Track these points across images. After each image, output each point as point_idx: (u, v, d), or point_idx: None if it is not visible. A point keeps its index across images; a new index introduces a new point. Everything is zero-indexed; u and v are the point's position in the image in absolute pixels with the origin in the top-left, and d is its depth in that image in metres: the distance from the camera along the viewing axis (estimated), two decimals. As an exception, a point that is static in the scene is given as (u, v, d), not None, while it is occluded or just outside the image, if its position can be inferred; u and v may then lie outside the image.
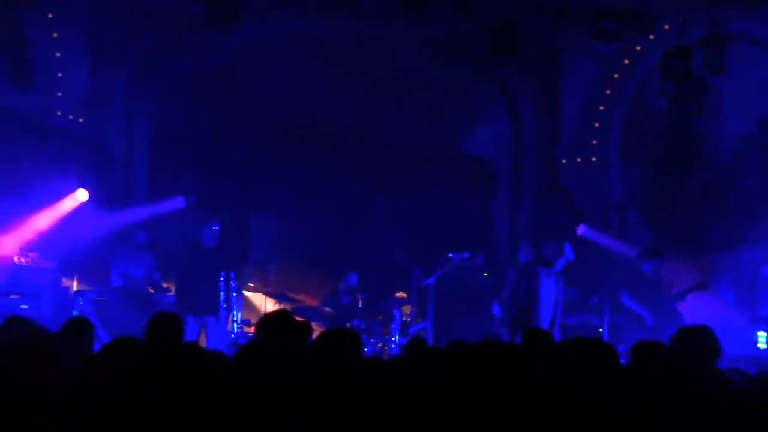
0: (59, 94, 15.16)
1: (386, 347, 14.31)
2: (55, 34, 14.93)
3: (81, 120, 15.31)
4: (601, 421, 4.00)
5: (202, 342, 12.84)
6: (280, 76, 16.14)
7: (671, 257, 14.25)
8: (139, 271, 14.01)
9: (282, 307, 14.10)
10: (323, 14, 15.53)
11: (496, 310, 13.51)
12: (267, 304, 15.52)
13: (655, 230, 16.15)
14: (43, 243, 14.08)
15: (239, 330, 13.75)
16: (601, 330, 14.01)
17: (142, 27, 15.41)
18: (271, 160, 16.66)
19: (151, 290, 14.24)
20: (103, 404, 3.32)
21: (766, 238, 15.62)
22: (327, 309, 14.71)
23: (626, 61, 16.12)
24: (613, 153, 16.58)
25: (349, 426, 3.84)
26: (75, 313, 12.69)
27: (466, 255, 14.91)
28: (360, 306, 15.13)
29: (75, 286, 14.08)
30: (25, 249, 13.78)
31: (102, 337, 10.98)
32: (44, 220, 14.26)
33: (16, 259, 13.58)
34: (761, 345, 13.81)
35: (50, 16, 14.80)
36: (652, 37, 15.49)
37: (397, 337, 14.48)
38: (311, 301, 15.65)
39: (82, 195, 14.64)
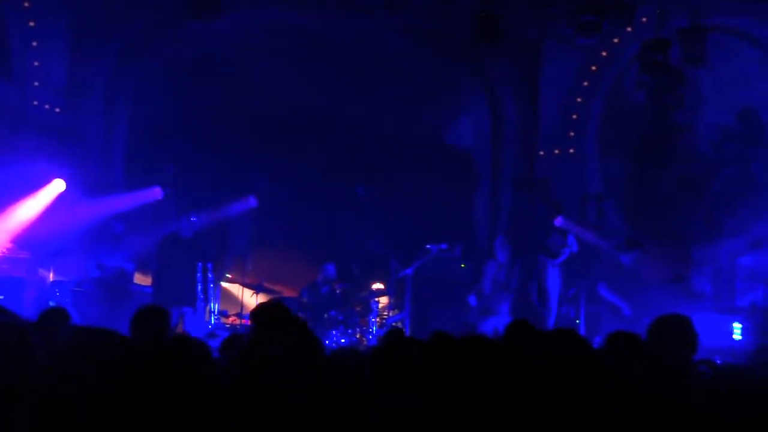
0: (36, 83, 15.07)
1: (364, 338, 14.33)
2: (32, 24, 14.84)
3: (57, 110, 15.22)
4: (580, 414, 4.02)
5: (179, 333, 12.81)
6: (262, 67, 16.09)
7: (649, 249, 14.30)
8: (115, 262, 13.95)
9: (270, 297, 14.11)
10: (305, 4, 15.51)
11: (472, 300, 13.52)
12: (244, 295, 15.51)
13: (632, 222, 16.20)
14: (20, 233, 13.99)
15: (216, 321, 13.73)
16: (578, 321, 14.07)
17: (122, 16, 15.33)
18: (251, 150, 16.62)
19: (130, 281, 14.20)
20: (91, 401, 3.27)
21: (744, 230, 15.69)
22: (305, 300, 14.71)
23: (604, 54, 16.15)
24: (591, 145, 16.60)
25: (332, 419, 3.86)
26: (52, 303, 12.61)
27: (444, 246, 14.95)
28: (338, 296, 15.14)
29: (51, 276, 14.01)
30: (2, 239, 13.69)
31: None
32: (21, 210, 14.17)
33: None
34: (737, 336, 13.88)
35: (26, 5, 14.70)
36: (629, 29, 15.51)
37: (374, 328, 14.50)
38: (289, 292, 15.65)
39: (59, 185, 14.55)
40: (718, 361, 8.99)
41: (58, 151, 14.74)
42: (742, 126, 16.09)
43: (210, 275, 13.32)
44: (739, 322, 13.98)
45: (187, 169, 16.28)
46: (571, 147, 16.55)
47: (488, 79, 17.13)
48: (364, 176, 16.96)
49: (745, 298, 14.91)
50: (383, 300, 15.66)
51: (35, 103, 15.08)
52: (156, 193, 15.35)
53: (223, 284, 15.58)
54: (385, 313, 15.44)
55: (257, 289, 14.97)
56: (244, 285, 15.43)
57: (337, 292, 15.15)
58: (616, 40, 15.96)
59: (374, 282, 16.17)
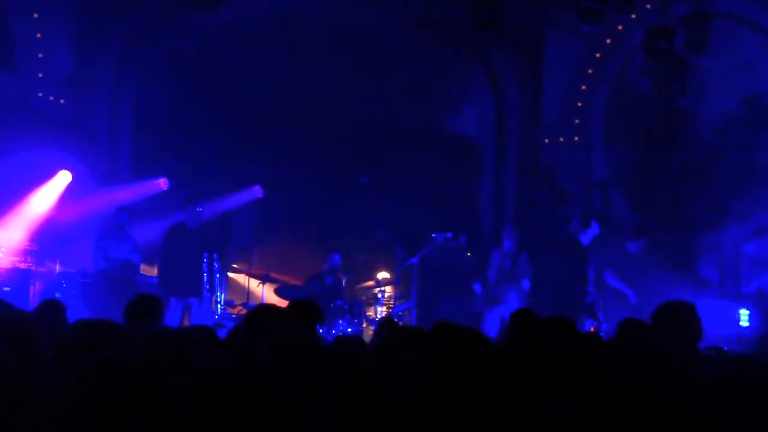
0: (40, 74, 15.08)
1: (370, 327, 14.35)
2: (36, 15, 14.85)
3: (62, 101, 15.23)
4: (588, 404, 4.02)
5: (186, 324, 12.82)
6: (266, 58, 16.09)
7: (654, 236, 14.30)
8: (121, 254, 13.95)
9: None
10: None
11: (478, 288, 13.51)
12: (251, 285, 15.53)
13: (638, 209, 16.19)
14: (26, 225, 14.00)
15: (223, 311, 13.75)
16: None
17: (125, 8, 15.34)
18: (256, 140, 16.63)
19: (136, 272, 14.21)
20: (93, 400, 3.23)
21: (748, 217, 15.68)
22: (311, 289, 14.72)
23: (608, 41, 16.13)
24: (596, 132, 16.58)
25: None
26: (58, 295, 12.63)
27: (449, 235, 14.94)
28: (344, 286, 15.15)
29: (58, 268, 14.02)
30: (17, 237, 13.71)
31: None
32: (27, 202, 14.19)
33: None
34: (744, 323, 13.88)
35: (31, -4, 14.74)
36: (633, 16, 15.48)
37: (380, 318, 14.51)
38: (295, 282, 15.66)
39: (65, 176, 14.57)
40: (726, 349, 9.00)
41: (64, 143, 14.75)
42: (746, 112, 16.05)
43: (216, 265, 13.31)
44: (746, 309, 13.99)
45: (192, 159, 16.29)
46: (575, 134, 16.53)
47: (492, 68, 17.11)
48: (368, 165, 16.97)
49: (751, 285, 14.91)
50: (389, 289, 15.67)
51: (40, 94, 15.10)
52: (162, 183, 15.36)
53: (230, 274, 15.59)
54: (391, 303, 15.46)
55: (263, 279, 14.98)
56: (250, 275, 15.43)
57: (343, 281, 15.17)
58: (620, 27, 15.93)
59: (380, 271, 16.19)
